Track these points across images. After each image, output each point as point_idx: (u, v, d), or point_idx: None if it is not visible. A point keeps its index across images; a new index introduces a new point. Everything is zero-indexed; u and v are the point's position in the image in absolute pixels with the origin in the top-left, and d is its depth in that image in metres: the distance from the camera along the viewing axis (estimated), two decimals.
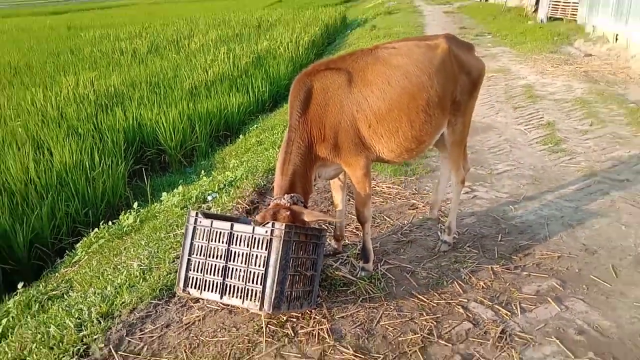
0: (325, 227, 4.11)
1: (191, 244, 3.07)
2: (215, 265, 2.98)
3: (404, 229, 4.27)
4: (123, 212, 5.84)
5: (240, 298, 2.90)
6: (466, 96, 3.67)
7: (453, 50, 3.56)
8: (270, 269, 2.84)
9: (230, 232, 2.96)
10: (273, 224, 2.87)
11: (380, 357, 2.85)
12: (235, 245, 2.94)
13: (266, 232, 2.86)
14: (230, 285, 2.94)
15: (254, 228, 2.90)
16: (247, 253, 2.90)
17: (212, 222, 3.03)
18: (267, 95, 11.86)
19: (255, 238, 2.89)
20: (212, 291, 2.98)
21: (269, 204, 3.19)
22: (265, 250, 2.85)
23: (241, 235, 2.94)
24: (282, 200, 3.04)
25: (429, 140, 3.56)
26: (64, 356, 3.01)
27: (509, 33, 15.38)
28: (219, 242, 2.99)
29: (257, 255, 2.88)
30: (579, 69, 10.10)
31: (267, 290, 2.83)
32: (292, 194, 3.06)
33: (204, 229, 3.04)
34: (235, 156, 7.61)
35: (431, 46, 3.50)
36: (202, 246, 3.04)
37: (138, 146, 8.54)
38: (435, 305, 3.28)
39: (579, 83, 8.93)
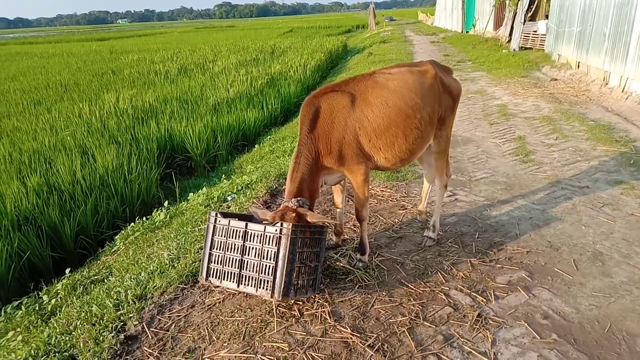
0: (327, 224, 4.11)
1: (212, 240, 3.07)
2: (233, 258, 2.98)
3: (395, 227, 4.27)
4: (155, 209, 5.86)
5: (254, 287, 2.90)
6: (449, 112, 3.72)
7: (438, 74, 3.59)
8: (280, 263, 2.83)
9: (245, 230, 2.96)
10: (282, 223, 2.86)
11: (373, 335, 2.84)
12: (250, 241, 2.94)
13: (276, 230, 2.85)
14: (245, 275, 2.93)
15: (265, 227, 2.90)
16: (259, 248, 2.90)
17: (229, 221, 3.02)
18: (279, 111, 11.89)
19: (266, 235, 2.89)
20: (230, 281, 2.99)
21: (279, 205, 3.19)
22: (275, 246, 2.85)
23: (254, 233, 2.93)
24: (289, 203, 3.03)
25: (419, 151, 3.59)
26: (104, 331, 3.02)
27: (486, 60, 15.36)
28: (235, 238, 2.99)
29: (268, 250, 2.87)
30: (546, 91, 10.08)
31: (277, 280, 2.83)
32: (298, 198, 3.06)
33: (223, 227, 3.04)
34: (251, 163, 7.62)
35: (422, 72, 3.53)
36: (221, 242, 3.04)
37: (169, 153, 8.58)
38: (421, 292, 3.27)
39: (546, 103, 8.91)
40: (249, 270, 2.92)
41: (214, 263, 3.05)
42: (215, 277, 3.04)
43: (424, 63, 3.69)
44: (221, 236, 3.04)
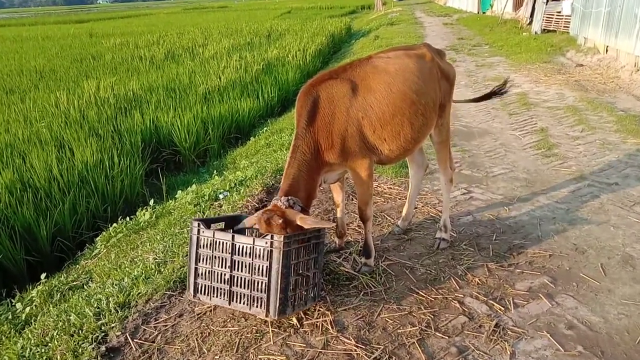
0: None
1: (196, 253, 3.04)
2: (221, 273, 2.96)
3: None
4: (140, 208, 5.86)
5: (247, 304, 2.90)
6: (447, 98, 3.80)
7: (435, 57, 3.65)
8: (273, 279, 2.82)
9: (232, 243, 2.93)
10: (272, 236, 2.83)
11: (380, 347, 2.84)
12: (238, 255, 2.92)
13: (266, 243, 2.82)
14: (236, 292, 2.93)
15: (254, 239, 2.87)
16: (249, 263, 2.88)
17: (214, 232, 2.99)
18: (276, 101, 11.87)
19: (256, 249, 2.86)
20: (220, 297, 2.98)
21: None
22: (267, 260, 2.82)
23: (243, 246, 2.91)
24: (279, 202, 2.98)
25: (423, 140, 3.65)
26: (83, 343, 3.02)
27: (504, 44, 15.31)
28: (222, 251, 2.96)
29: (259, 265, 2.85)
30: (571, 78, 10.05)
31: (272, 298, 2.82)
32: (289, 197, 3.00)
33: (207, 239, 3.01)
34: (246, 157, 7.62)
35: (419, 55, 3.58)
36: (207, 255, 3.01)
37: (154, 147, 8.56)
38: (432, 299, 3.26)
39: (571, 91, 8.89)
40: (240, 287, 2.91)
41: (201, 278, 3.03)
42: (204, 294, 3.03)
43: (419, 46, 3.75)
44: (206, 249, 3.01)
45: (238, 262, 2.92)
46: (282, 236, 2.81)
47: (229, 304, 2.96)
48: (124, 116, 9.44)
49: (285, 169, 3.16)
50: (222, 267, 2.96)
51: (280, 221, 2.87)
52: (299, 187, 3.10)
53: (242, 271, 2.90)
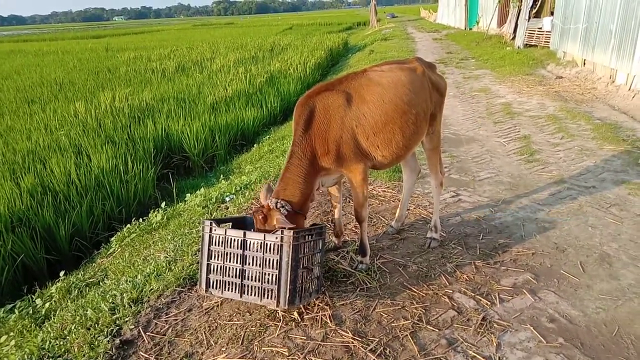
0: (327, 224, 4.10)
1: (209, 250, 3.03)
2: (233, 268, 2.95)
3: None
4: (152, 210, 5.85)
5: (258, 296, 2.89)
6: (438, 108, 3.80)
7: (426, 71, 3.65)
8: (283, 271, 2.81)
9: (244, 239, 2.92)
10: (282, 231, 2.84)
11: (375, 340, 2.83)
12: (249, 250, 2.91)
13: (276, 238, 2.83)
14: (248, 285, 2.91)
15: (265, 235, 2.87)
16: (260, 257, 2.87)
17: (225, 230, 2.99)
18: (279, 110, 11.88)
19: (266, 244, 2.86)
20: (232, 291, 2.97)
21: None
22: (277, 254, 2.82)
23: (254, 242, 2.91)
24: (270, 201, 3.03)
25: (414, 147, 3.65)
26: (99, 336, 3.01)
27: (489, 57, 15.35)
28: (234, 247, 2.96)
29: (269, 259, 2.85)
30: (551, 89, 10.07)
31: (282, 289, 2.81)
32: (278, 200, 3.03)
33: (219, 237, 3.01)
34: (250, 162, 7.61)
35: (412, 68, 3.58)
36: (219, 251, 3.00)
37: (166, 153, 8.57)
38: (424, 295, 3.26)
39: (551, 101, 8.90)
40: (251, 280, 2.90)
41: (213, 274, 3.02)
42: (216, 288, 3.02)
43: (411, 60, 3.75)
44: (218, 246, 3.01)
45: (249, 256, 2.91)
46: (292, 231, 2.82)
47: (241, 296, 2.94)
48: (138, 125, 9.45)
49: (281, 173, 3.16)
50: (233, 262, 2.95)
51: (261, 217, 3.01)
52: (293, 190, 3.11)
53: (253, 265, 2.89)
